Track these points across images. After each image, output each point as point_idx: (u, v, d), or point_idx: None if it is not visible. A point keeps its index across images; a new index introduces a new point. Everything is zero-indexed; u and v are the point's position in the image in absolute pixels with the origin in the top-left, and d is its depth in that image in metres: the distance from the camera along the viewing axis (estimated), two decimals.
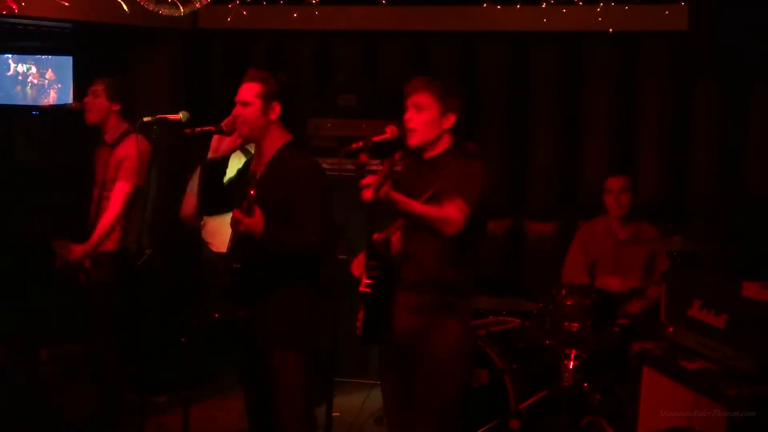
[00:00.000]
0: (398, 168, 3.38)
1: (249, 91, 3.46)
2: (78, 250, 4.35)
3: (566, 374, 4.18)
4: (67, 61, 5.88)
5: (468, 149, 3.28)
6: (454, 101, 3.25)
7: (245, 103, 3.46)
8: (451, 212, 3.00)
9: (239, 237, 3.42)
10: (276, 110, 3.48)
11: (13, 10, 4.97)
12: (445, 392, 3.21)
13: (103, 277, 4.38)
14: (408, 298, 3.24)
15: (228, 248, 3.62)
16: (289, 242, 3.38)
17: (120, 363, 4.46)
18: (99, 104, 4.46)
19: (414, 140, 3.23)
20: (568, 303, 4.25)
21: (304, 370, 3.47)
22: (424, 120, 3.21)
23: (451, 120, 3.24)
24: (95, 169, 4.57)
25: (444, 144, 3.26)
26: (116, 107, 4.49)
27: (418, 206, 2.97)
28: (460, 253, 3.20)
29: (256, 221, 3.28)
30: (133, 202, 4.39)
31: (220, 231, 4.87)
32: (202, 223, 5.02)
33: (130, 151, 4.33)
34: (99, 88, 4.47)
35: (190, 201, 4.93)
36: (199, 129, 3.50)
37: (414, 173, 3.31)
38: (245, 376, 3.69)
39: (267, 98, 3.45)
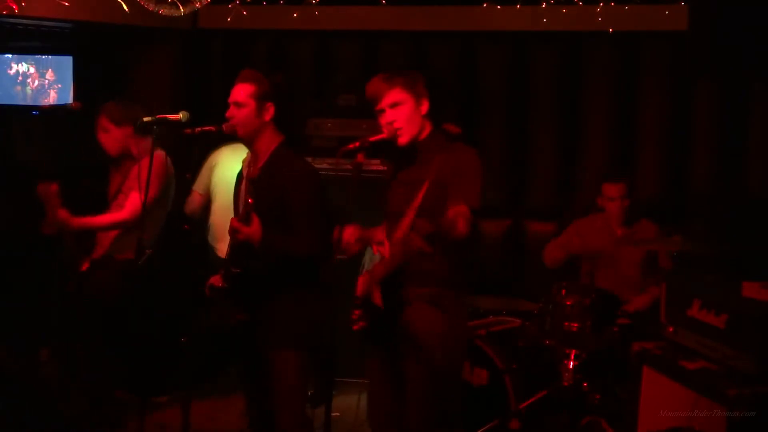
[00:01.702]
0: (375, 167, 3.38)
1: (242, 93, 3.45)
2: (64, 216, 4.31)
3: (566, 374, 4.18)
4: (67, 61, 5.88)
5: (451, 133, 3.28)
6: (421, 86, 3.24)
7: (239, 105, 3.45)
8: (459, 225, 2.94)
9: (238, 243, 3.43)
10: (270, 111, 3.47)
11: (13, 10, 4.97)
12: (437, 379, 3.19)
13: (109, 281, 4.39)
14: (405, 291, 3.21)
15: (227, 253, 3.63)
16: (287, 249, 3.39)
17: (108, 364, 4.47)
18: (113, 138, 4.47)
19: (404, 138, 3.22)
20: (568, 303, 4.25)
21: (300, 370, 3.48)
22: (406, 115, 3.19)
23: (425, 105, 3.24)
24: (111, 182, 4.60)
25: (426, 130, 3.26)
26: (129, 130, 4.46)
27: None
28: (457, 249, 3.19)
29: (254, 230, 3.29)
30: (146, 213, 4.40)
31: (225, 236, 4.86)
32: (207, 225, 5.01)
33: (146, 163, 4.31)
34: (105, 122, 4.46)
35: (196, 199, 4.99)
36: (199, 129, 3.50)
37: (403, 164, 3.30)
38: (246, 377, 3.69)
39: (261, 99, 3.45)
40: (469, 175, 3.13)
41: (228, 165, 4.93)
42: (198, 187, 4.98)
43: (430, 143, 3.24)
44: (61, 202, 4.35)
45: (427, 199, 3.04)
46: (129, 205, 4.41)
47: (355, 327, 3.20)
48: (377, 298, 3.09)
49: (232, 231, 3.35)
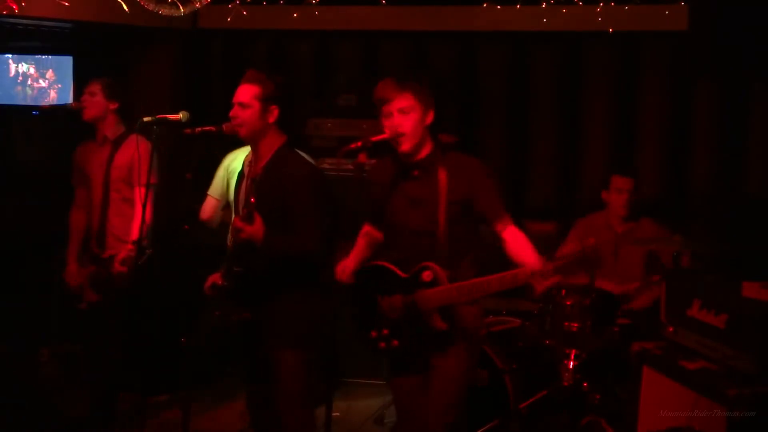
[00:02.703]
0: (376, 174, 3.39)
1: (247, 93, 3.45)
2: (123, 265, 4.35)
3: (566, 374, 4.18)
4: (67, 61, 5.88)
5: (446, 143, 3.29)
6: (429, 96, 3.23)
7: (244, 105, 3.45)
8: (522, 238, 3.22)
9: (240, 242, 3.43)
10: (274, 113, 3.48)
11: (13, 10, 4.96)
12: (459, 383, 3.22)
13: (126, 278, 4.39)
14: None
15: (229, 252, 3.63)
16: (289, 249, 3.39)
17: (119, 363, 4.46)
18: (96, 102, 4.46)
19: (406, 145, 3.20)
20: (568, 303, 4.25)
21: (306, 370, 3.48)
22: (413, 122, 3.18)
23: (431, 116, 3.23)
24: (88, 168, 4.55)
25: (427, 142, 3.25)
26: (114, 106, 4.49)
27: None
28: (465, 253, 3.20)
29: (256, 229, 3.30)
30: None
31: None
32: (228, 229, 4.91)
33: (143, 151, 4.30)
34: (96, 87, 4.48)
35: (210, 204, 4.70)
36: (199, 129, 3.50)
37: (409, 178, 3.28)
38: (248, 377, 3.69)
39: (265, 101, 3.45)
40: (491, 189, 3.23)
41: None
42: (214, 192, 4.66)
43: (432, 157, 3.24)
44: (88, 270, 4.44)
45: (450, 218, 3.14)
46: (148, 201, 4.37)
47: (383, 345, 3.22)
48: (439, 323, 3.12)
49: (235, 230, 3.35)
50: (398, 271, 3.20)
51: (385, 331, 3.21)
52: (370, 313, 3.25)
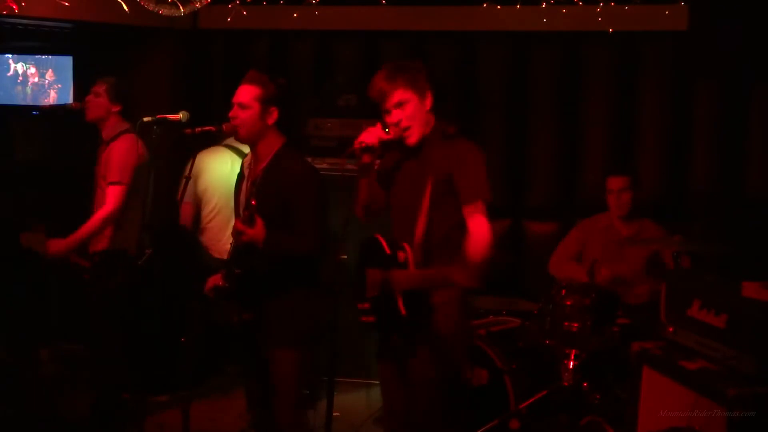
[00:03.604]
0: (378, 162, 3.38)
1: (248, 94, 3.46)
2: (56, 245, 4.33)
3: (566, 374, 4.17)
4: (67, 61, 5.88)
5: (449, 132, 3.25)
6: (423, 80, 3.21)
7: (243, 106, 3.45)
8: (480, 233, 3.00)
9: (241, 244, 3.44)
10: (273, 115, 3.48)
11: (13, 10, 4.97)
12: (429, 389, 3.19)
13: (100, 276, 4.39)
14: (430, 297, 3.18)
15: (229, 253, 3.64)
16: (290, 249, 3.40)
17: (120, 363, 4.47)
18: (100, 103, 4.48)
19: (413, 138, 3.20)
20: (568, 303, 4.24)
21: (302, 369, 3.50)
22: (412, 113, 3.17)
23: (429, 99, 3.21)
24: (96, 168, 4.60)
25: (431, 124, 3.25)
26: (116, 108, 4.50)
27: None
28: (446, 240, 3.17)
29: (257, 231, 3.30)
30: (126, 201, 4.39)
31: (220, 238, 4.90)
32: (201, 227, 5.02)
33: (120, 149, 4.35)
34: (101, 88, 4.49)
35: (187, 209, 4.92)
36: (199, 129, 3.50)
37: (403, 162, 3.29)
38: (249, 377, 3.70)
39: (265, 103, 3.45)
40: (472, 166, 3.13)
41: (213, 169, 4.94)
42: (187, 197, 4.89)
43: (432, 137, 3.23)
44: (45, 234, 4.38)
45: (434, 196, 3.09)
46: (109, 198, 4.39)
47: (363, 319, 3.19)
48: (401, 308, 3.06)
49: (236, 233, 3.36)
50: (385, 246, 3.16)
51: (366, 305, 3.18)
52: (361, 285, 3.22)
